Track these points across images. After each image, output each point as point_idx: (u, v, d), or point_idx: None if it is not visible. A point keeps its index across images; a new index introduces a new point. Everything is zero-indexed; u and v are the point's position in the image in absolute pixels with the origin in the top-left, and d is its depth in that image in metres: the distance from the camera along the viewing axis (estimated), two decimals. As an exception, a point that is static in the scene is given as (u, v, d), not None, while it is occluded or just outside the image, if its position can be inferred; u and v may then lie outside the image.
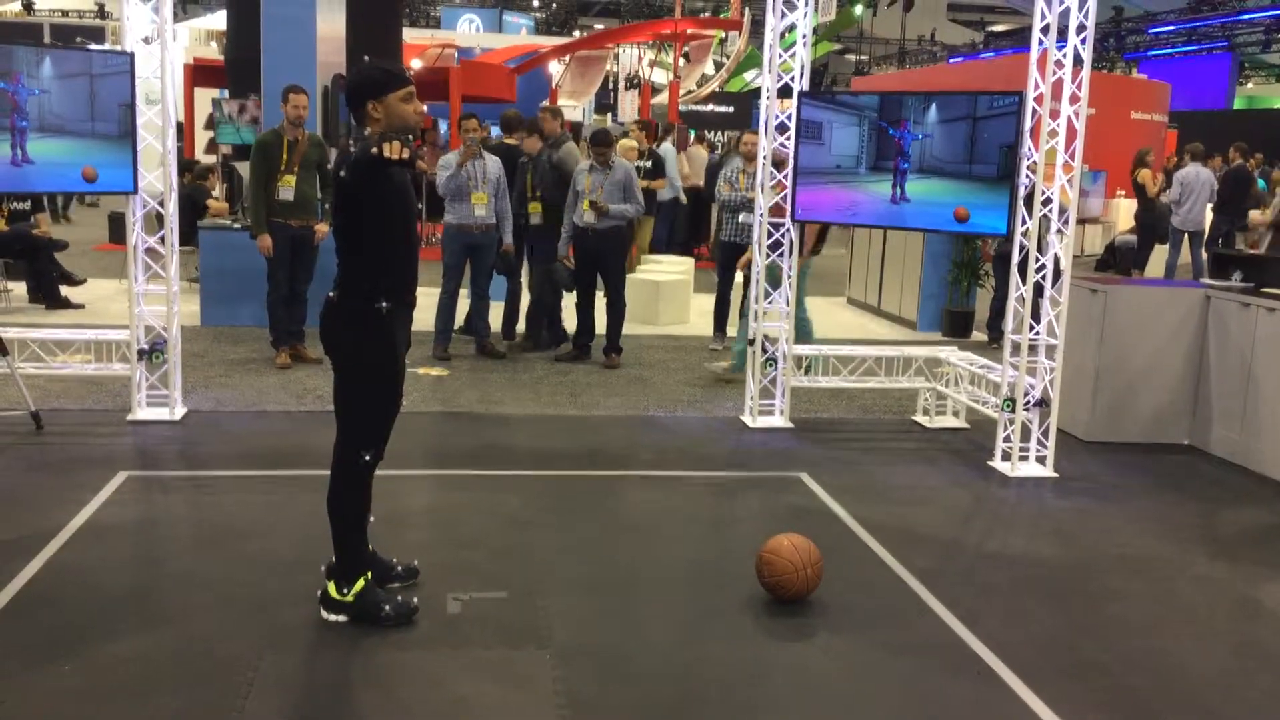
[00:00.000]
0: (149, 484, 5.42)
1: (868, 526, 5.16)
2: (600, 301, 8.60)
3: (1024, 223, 6.08)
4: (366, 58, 8.11)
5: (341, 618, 3.92)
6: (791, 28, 6.72)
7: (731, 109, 29.47)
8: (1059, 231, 6.05)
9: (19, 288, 10.25)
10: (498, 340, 8.79)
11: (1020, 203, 6.03)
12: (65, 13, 33.37)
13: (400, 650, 3.75)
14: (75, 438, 6.15)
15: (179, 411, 6.56)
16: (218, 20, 25.10)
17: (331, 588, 3.94)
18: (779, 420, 6.97)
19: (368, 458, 3.89)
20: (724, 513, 5.44)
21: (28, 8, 32.28)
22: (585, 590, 4.35)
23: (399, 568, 4.28)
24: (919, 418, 7.25)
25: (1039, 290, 6.09)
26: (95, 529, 4.75)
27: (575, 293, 8.57)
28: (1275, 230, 9.82)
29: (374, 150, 3.47)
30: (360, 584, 3.92)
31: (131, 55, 6.21)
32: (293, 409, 6.85)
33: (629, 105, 22.16)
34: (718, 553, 4.87)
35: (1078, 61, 5.86)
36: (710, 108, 28.89)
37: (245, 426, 6.47)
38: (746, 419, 6.99)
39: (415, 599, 4.04)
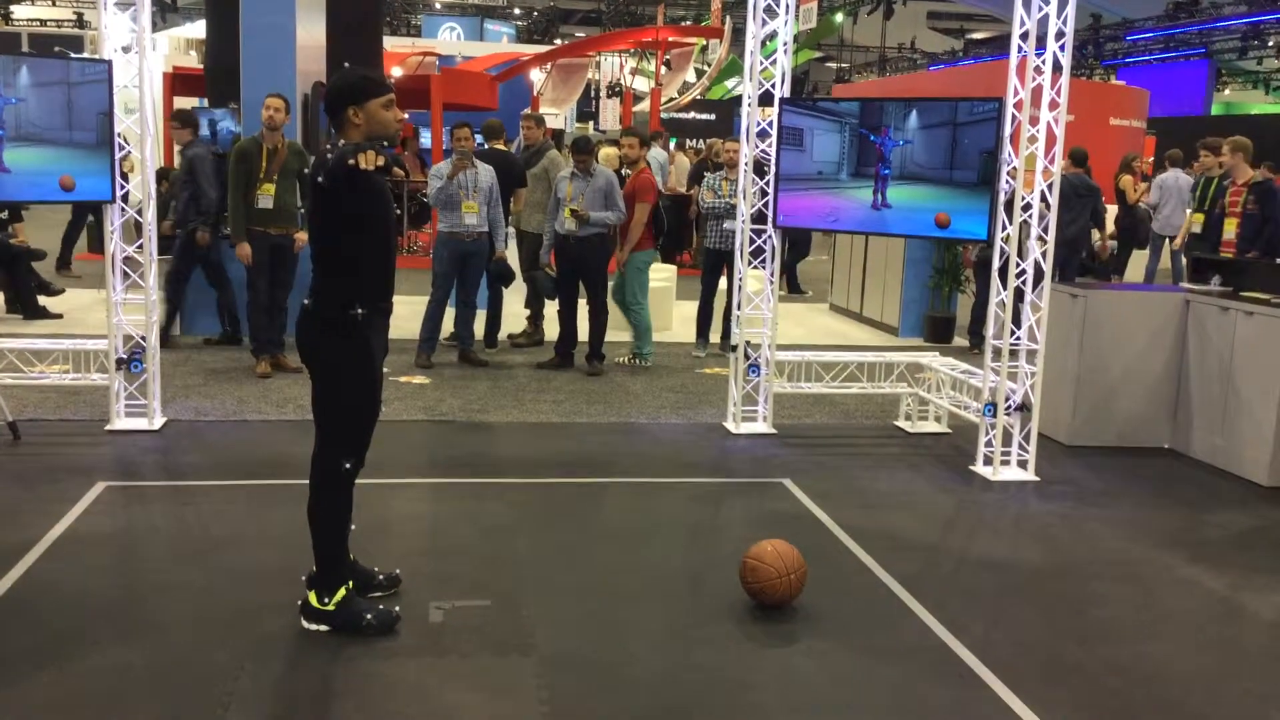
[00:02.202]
0: (128, 494, 5.38)
1: (851, 532, 5.16)
2: (583, 309, 8.59)
3: (1004, 228, 6.11)
4: (347, 65, 8.08)
5: (323, 627, 3.90)
6: (772, 35, 6.74)
7: (713, 116, 29.57)
8: (1039, 237, 6.08)
9: (-4, 298, 10.18)
10: (480, 348, 8.78)
11: (1000, 208, 6.06)
12: (43, 21, 33.20)
13: (383, 660, 3.73)
14: (53, 448, 6.10)
15: (158, 421, 6.52)
16: (197, 29, 25.04)
17: (313, 597, 3.91)
18: (762, 426, 6.97)
19: (348, 466, 3.88)
20: (707, 519, 5.43)
21: (5, 17, 32.12)
22: (569, 598, 4.33)
23: (380, 576, 4.25)
24: (901, 423, 7.27)
25: (1019, 295, 6.12)
26: (74, 540, 4.70)
27: (558, 300, 8.56)
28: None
29: (350, 162, 3.45)
30: (341, 593, 3.90)
31: (109, 64, 6.18)
32: (273, 418, 6.81)
33: (611, 113, 22.17)
34: (701, 559, 4.86)
35: (1057, 68, 5.89)
36: (692, 115, 28.98)
37: (225, 436, 6.43)
38: (729, 425, 6.99)
39: (397, 608, 4.02)
